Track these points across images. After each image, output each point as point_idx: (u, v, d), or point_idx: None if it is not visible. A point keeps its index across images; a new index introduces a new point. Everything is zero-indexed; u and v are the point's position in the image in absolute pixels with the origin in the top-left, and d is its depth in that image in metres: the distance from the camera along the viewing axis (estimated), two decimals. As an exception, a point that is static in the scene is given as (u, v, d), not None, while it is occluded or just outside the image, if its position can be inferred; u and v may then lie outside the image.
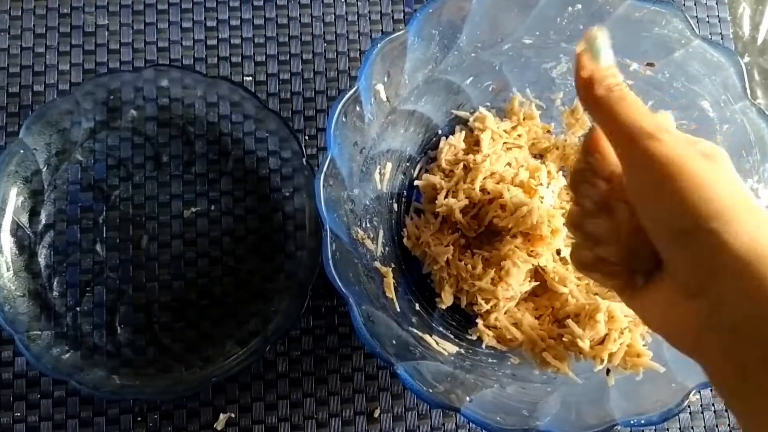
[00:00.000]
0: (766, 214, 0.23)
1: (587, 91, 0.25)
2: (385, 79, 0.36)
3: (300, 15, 0.46)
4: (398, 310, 0.37)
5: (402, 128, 0.40)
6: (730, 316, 0.22)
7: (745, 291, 0.21)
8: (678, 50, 0.37)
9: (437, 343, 0.37)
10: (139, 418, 0.40)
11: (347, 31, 0.46)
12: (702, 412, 0.44)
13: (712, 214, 0.22)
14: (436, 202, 0.40)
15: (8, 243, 0.40)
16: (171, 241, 0.42)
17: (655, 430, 0.43)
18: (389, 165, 0.40)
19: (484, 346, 0.39)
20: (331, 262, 0.31)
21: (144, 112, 0.43)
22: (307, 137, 0.45)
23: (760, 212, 0.23)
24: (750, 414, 0.22)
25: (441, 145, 0.42)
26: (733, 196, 0.23)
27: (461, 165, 0.41)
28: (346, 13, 0.47)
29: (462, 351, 0.38)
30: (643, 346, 0.36)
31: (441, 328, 0.39)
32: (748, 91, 0.35)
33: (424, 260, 0.41)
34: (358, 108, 0.34)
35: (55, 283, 0.41)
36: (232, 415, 0.41)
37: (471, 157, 0.41)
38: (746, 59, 0.50)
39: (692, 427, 0.43)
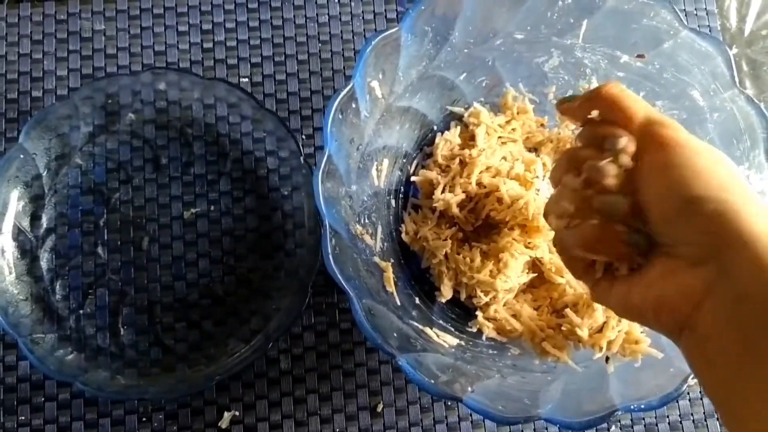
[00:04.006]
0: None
1: (602, 94, 0.28)
2: (380, 76, 0.36)
3: (294, 16, 0.47)
4: (398, 303, 0.37)
5: (398, 125, 0.41)
6: (738, 283, 0.23)
7: (756, 260, 0.22)
8: (667, 41, 0.37)
9: (438, 336, 0.38)
10: (144, 419, 0.40)
11: (341, 31, 0.47)
12: (701, 399, 0.44)
13: (722, 185, 0.24)
14: (434, 197, 0.40)
15: (10, 247, 0.40)
16: (172, 242, 0.43)
17: (656, 419, 0.43)
18: (386, 161, 0.41)
19: (484, 337, 0.39)
20: (331, 257, 0.32)
21: (142, 115, 0.44)
22: (304, 137, 0.45)
23: (757, 195, 0.25)
24: (744, 385, 0.22)
25: (437, 140, 0.43)
26: (735, 175, 0.25)
27: (457, 160, 0.41)
28: (340, 13, 0.47)
29: (462, 343, 0.39)
30: (641, 332, 0.37)
31: (441, 321, 0.40)
32: (737, 80, 0.36)
33: (423, 254, 0.41)
34: (354, 105, 0.35)
35: (57, 287, 0.41)
36: (237, 413, 0.41)
37: (466, 151, 0.41)
38: (734, 50, 0.51)
39: (692, 414, 0.44)
